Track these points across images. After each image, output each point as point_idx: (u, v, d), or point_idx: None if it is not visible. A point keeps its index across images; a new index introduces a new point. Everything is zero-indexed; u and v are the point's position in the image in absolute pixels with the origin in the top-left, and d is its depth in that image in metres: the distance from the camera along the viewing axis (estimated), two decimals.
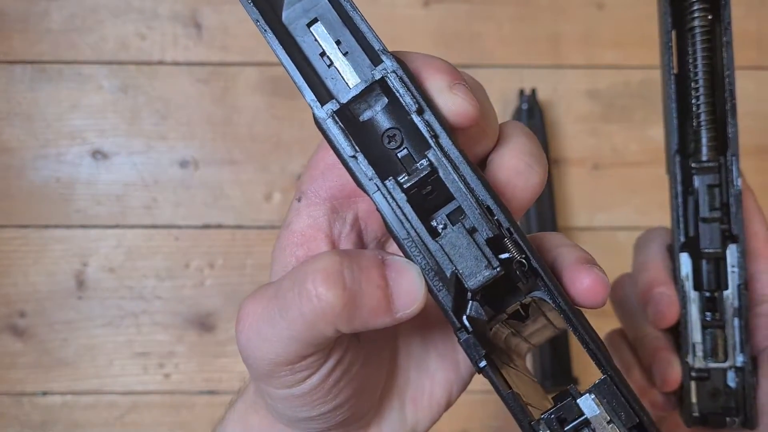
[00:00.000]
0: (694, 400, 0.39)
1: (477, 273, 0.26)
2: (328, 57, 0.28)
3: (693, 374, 0.39)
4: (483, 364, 0.27)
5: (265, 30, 0.27)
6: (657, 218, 0.84)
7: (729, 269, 0.39)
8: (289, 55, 0.27)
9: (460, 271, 0.26)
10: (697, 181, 0.40)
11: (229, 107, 0.83)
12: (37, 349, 0.81)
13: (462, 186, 0.26)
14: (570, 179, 0.85)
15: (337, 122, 0.27)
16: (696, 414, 0.39)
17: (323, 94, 0.27)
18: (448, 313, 0.26)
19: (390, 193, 0.26)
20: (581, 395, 0.26)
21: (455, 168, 0.26)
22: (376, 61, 0.27)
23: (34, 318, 0.82)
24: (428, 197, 0.27)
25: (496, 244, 0.26)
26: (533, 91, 0.85)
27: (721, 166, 0.40)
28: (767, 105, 0.87)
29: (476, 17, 0.86)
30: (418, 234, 0.26)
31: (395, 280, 0.27)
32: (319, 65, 0.28)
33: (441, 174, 0.26)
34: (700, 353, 0.39)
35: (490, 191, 0.26)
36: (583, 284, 0.27)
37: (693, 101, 0.40)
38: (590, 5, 0.87)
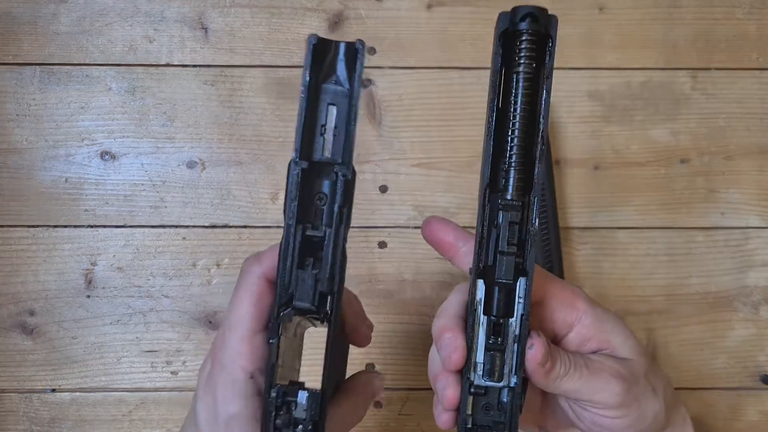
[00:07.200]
0: (469, 412, 0.42)
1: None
2: (323, 128, 0.41)
3: (472, 390, 0.42)
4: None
5: (305, 95, 0.39)
6: (657, 218, 0.85)
7: (516, 299, 0.42)
8: (306, 113, 0.40)
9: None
10: (501, 217, 0.42)
11: (235, 109, 0.84)
12: (47, 347, 0.82)
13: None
14: (571, 180, 0.86)
15: (298, 173, 0.40)
16: (469, 426, 0.42)
17: (305, 150, 0.40)
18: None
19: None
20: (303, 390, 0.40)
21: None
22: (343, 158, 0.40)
23: (43, 316, 0.83)
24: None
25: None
26: None
27: (524, 205, 0.42)
28: None
29: (479, 20, 0.87)
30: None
31: None
32: (315, 130, 0.41)
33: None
34: (480, 372, 0.42)
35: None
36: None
37: (508, 142, 0.42)
38: (591, 7, 0.87)
